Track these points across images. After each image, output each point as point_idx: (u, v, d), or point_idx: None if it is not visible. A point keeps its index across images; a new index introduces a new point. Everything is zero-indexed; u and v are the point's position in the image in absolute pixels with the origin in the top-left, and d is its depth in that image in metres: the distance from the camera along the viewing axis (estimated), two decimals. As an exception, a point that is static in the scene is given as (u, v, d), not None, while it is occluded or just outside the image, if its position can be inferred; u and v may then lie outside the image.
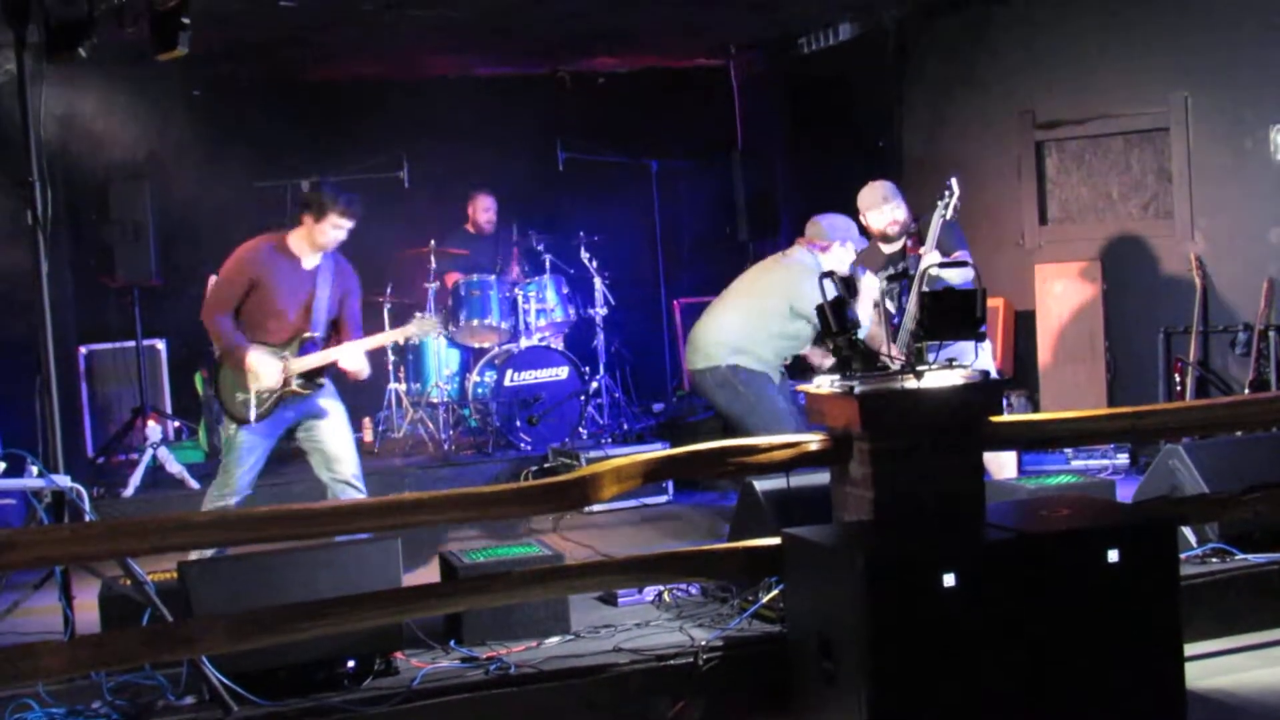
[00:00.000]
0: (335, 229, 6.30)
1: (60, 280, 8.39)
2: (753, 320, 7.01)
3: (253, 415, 6.26)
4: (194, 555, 5.22)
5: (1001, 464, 7.14)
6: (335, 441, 6.42)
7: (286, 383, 6.26)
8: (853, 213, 7.14)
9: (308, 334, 6.34)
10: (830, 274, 5.16)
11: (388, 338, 7.25)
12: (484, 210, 10.25)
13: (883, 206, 7.08)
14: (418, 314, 7.03)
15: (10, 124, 5.79)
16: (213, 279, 8.55)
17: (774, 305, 6.97)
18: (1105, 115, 8.83)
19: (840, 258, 6.96)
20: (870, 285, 6.77)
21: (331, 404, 6.48)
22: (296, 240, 6.36)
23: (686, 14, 9.16)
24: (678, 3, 8.72)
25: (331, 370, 6.50)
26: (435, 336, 6.92)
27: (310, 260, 6.36)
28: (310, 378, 6.34)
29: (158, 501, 8.17)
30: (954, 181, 6.70)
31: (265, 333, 6.30)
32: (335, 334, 6.49)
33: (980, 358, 5.27)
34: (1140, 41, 8.52)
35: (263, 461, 6.41)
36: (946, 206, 6.68)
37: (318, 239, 6.31)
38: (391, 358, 9.88)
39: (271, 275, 6.28)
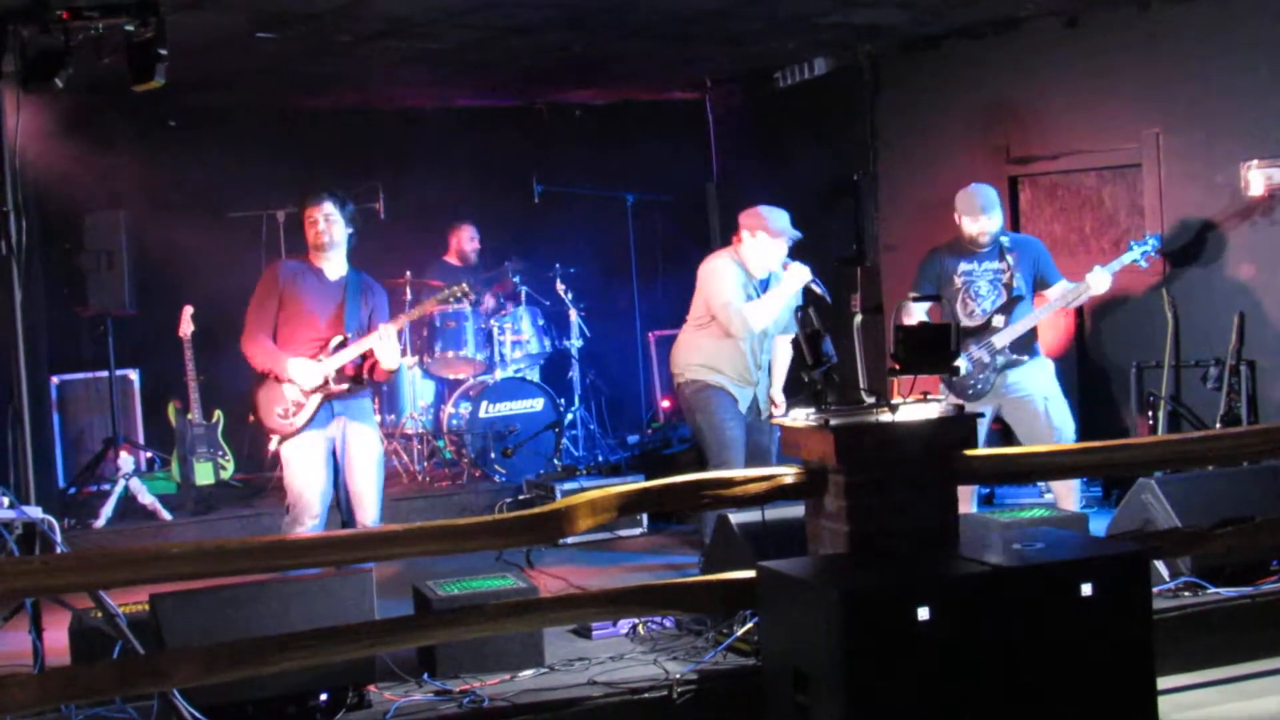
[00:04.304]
0: (312, 223, 6.38)
1: (33, 309, 8.34)
2: (688, 329, 7.03)
3: (297, 421, 6.28)
4: None
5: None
6: (362, 478, 6.40)
7: (325, 383, 6.31)
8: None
9: (340, 337, 6.39)
10: (807, 307, 5.17)
11: (418, 311, 7.17)
12: (469, 240, 10.30)
13: (979, 216, 7.05)
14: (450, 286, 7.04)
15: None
16: (187, 308, 8.62)
17: (696, 308, 6.99)
18: (1078, 151, 8.88)
19: (757, 248, 6.90)
20: (798, 273, 6.79)
21: (372, 426, 6.54)
22: (313, 254, 6.48)
23: (663, 48, 9.19)
24: (655, 37, 8.76)
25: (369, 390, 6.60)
26: (466, 303, 6.89)
27: (334, 270, 6.47)
28: (348, 377, 6.38)
29: (129, 533, 8.13)
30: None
31: (303, 345, 6.36)
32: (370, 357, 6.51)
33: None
34: (1112, 78, 8.58)
35: (329, 474, 6.37)
36: (1144, 256, 7.28)
37: (318, 239, 6.40)
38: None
39: (299, 286, 6.40)
